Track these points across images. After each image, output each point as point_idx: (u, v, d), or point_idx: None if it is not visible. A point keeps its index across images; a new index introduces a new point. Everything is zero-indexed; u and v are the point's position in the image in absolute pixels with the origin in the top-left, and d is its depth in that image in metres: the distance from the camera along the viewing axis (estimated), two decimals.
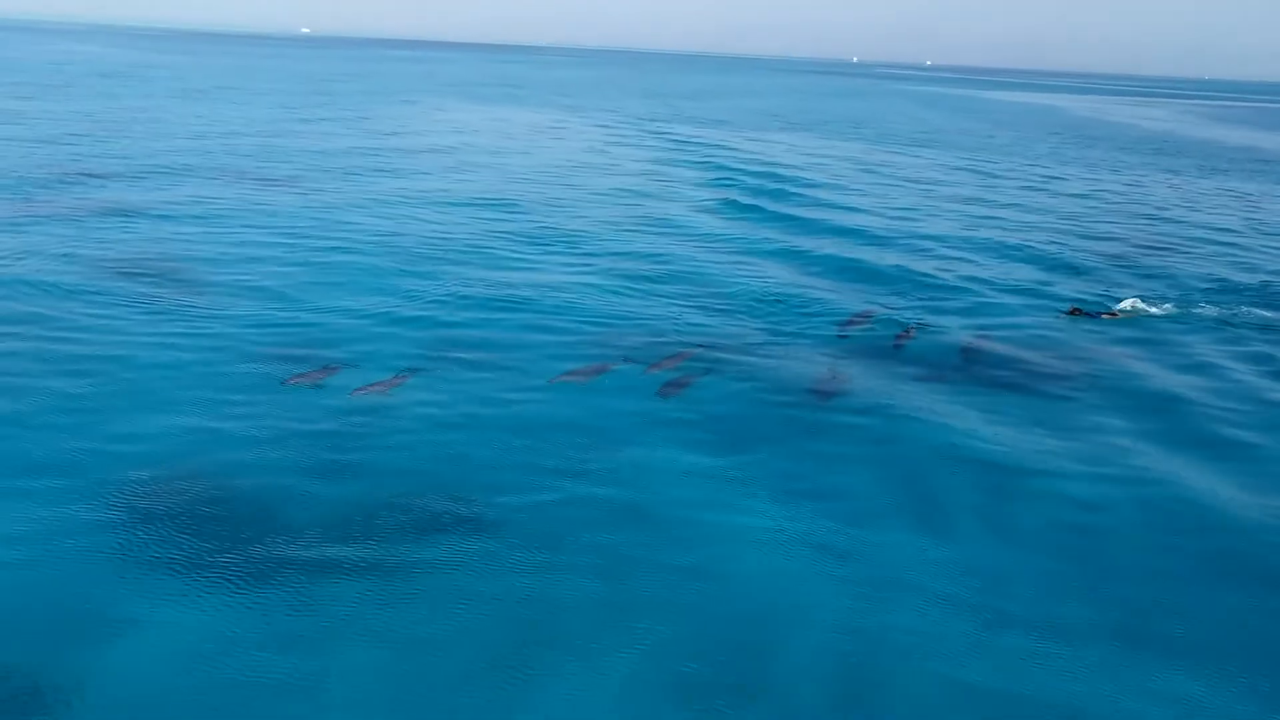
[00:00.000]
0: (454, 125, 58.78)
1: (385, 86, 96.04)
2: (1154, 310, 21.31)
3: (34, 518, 10.37)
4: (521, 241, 25.38)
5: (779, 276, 22.87)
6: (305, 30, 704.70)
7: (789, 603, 9.68)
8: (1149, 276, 25.12)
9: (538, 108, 77.85)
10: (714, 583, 9.92)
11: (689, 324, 18.52)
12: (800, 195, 35.65)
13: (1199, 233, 32.15)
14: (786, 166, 44.44)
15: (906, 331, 18.40)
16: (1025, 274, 24.66)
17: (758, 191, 36.15)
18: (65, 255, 20.93)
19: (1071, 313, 20.51)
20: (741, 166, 43.32)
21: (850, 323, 18.93)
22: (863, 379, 15.87)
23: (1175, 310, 21.50)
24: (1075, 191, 41.59)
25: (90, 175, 31.36)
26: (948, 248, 27.34)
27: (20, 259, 20.40)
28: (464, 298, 19.51)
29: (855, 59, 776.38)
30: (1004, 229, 30.87)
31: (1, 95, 58.60)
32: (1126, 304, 21.34)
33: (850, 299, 21.03)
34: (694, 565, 10.21)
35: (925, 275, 23.69)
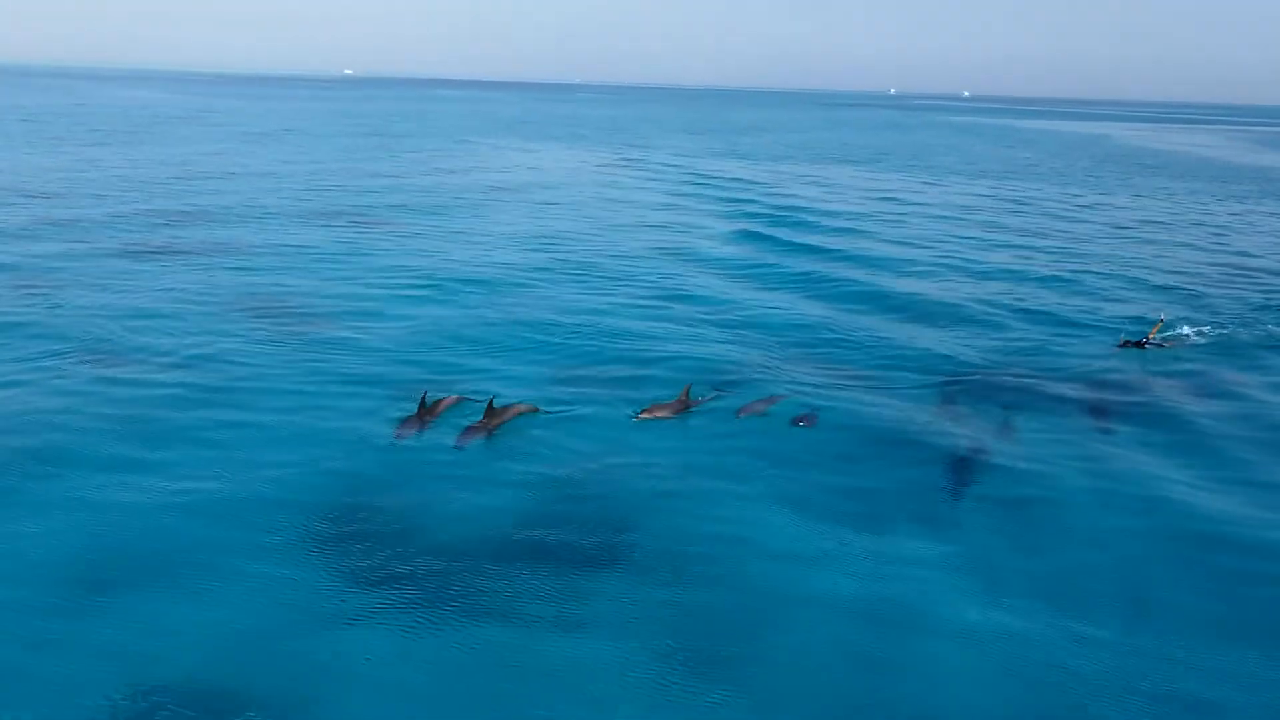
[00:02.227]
0: (520, 165, 59.79)
1: (442, 127, 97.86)
2: (1209, 337, 21.22)
3: (197, 541, 10.93)
4: (606, 280, 25.77)
5: (853, 318, 22.66)
6: (348, 72, 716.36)
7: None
8: (1216, 305, 25.01)
9: (595, 146, 78.85)
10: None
11: (768, 364, 18.41)
12: (865, 233, 35.97)
13: (1269, 262, 32.07)
14: (851, 204, 45.08)
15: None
16: (1096, 304, 24.72)
17: (825, 230, 36.49)
18: (185, 296, 21.76)
19: (1124, 344, 20.33)
20: (807, 205, 43.86)
21: (949, 385, 17.49)
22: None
23: (1238, 336, 21.42)
24: (1140, 220, 41.61)
25: (189, 218, 32.41)
26: (1022, 282, 27.28)
27: (144, 301, 21.23)
28: (554, 335, 19.88)
29: (893, 90, 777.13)
30: (1073, 260, 30.94)
31: (79, 143, 60.46)
32: (1184, 331, 21.30)
33: (917, 340, 20.63)
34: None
35: (998, 312, 23.66)
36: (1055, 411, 16.12)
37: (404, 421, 14.42)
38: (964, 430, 14.98)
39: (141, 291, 21.98)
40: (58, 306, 20.35)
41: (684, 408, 15.11)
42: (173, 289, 22.37)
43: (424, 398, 14.84)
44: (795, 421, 14.93)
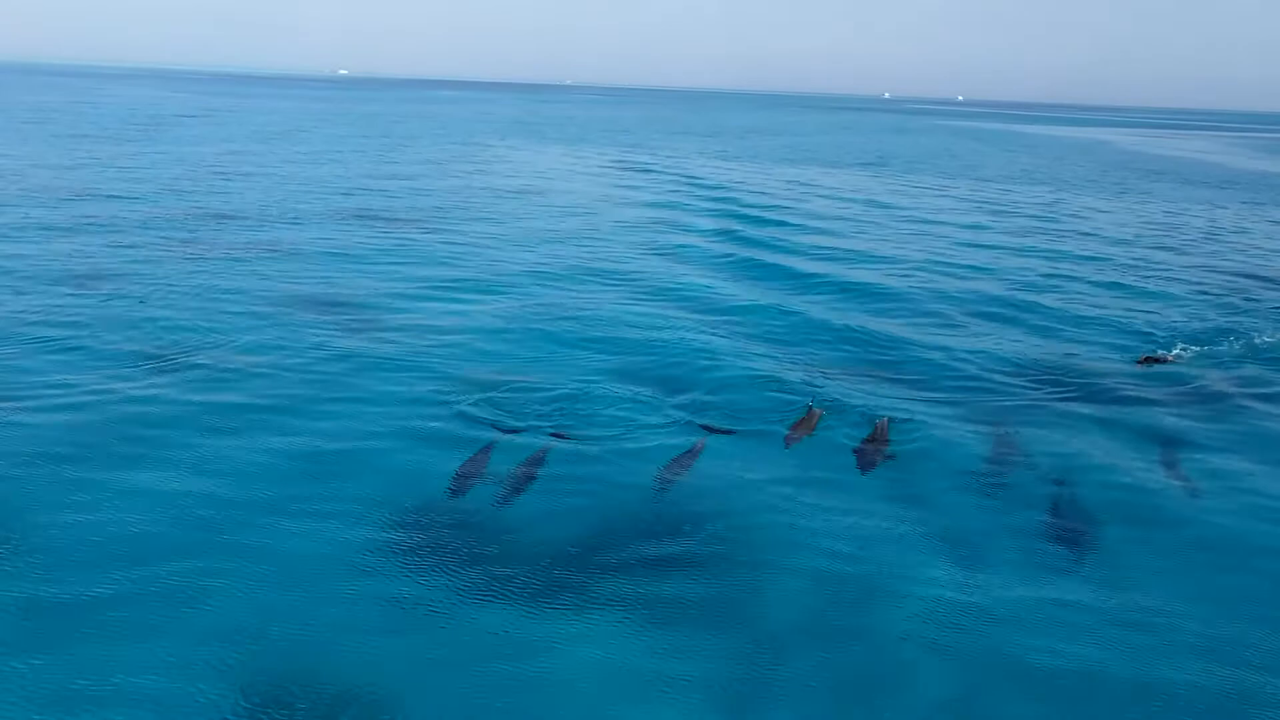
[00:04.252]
0: (537, 166, 59.95)
1: (448, 127, 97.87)
2: (1230, 350, 20.96)
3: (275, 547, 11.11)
4: (651, 288, 26.03)
5: (886, 329, 22.31)
6: (343, 72, 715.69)
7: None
8: (1235, 315, 24.96)
9: (604, 147, 78.99)
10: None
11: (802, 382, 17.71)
12: (888, 252, 36.41)
13: None
14: (864, 215, 45.53)
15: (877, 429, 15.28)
16: (1119, 315, 24.46)
17: (842, 250, 36.87)
18: (239, 296, 21.95)
19: (1145, 360, 19.83)
20: (817, 221, 44.24)
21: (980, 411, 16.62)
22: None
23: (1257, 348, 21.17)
24: (1152, 228, 42.00)
25: (224, 217, 32.54)
26: (1041, 292, 27.14)
27: (201, 302, 21.42)
28: (596, 348, 19.39)
29: (887, 94, 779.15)
30: (1091, 269, 31.09)
31: (96, 140, 60.48)
32: (1190, 348, 20.86)
33: (933, 362, 19.71)
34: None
35: (1015, 325, 23.17)
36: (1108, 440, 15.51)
37: (794, 426, 14.85)
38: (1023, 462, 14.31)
39: (196, 292, 22.06)
40: (116, 307, 20.50)
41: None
42: (226, 289, 22.51)
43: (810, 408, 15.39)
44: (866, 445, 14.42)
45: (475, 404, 15.56)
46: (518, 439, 14.12)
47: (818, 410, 15.52)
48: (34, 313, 19.51)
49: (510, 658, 9.14)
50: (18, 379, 15.61)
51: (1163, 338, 22.03)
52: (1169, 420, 16.46)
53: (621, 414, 15.46)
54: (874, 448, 14.25)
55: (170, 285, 22.49)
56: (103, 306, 20.36)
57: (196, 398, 15.13)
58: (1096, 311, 24.88)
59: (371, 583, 10.25)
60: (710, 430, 14.81)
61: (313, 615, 9.67)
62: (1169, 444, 15.31)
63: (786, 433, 14.72)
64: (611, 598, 10.13)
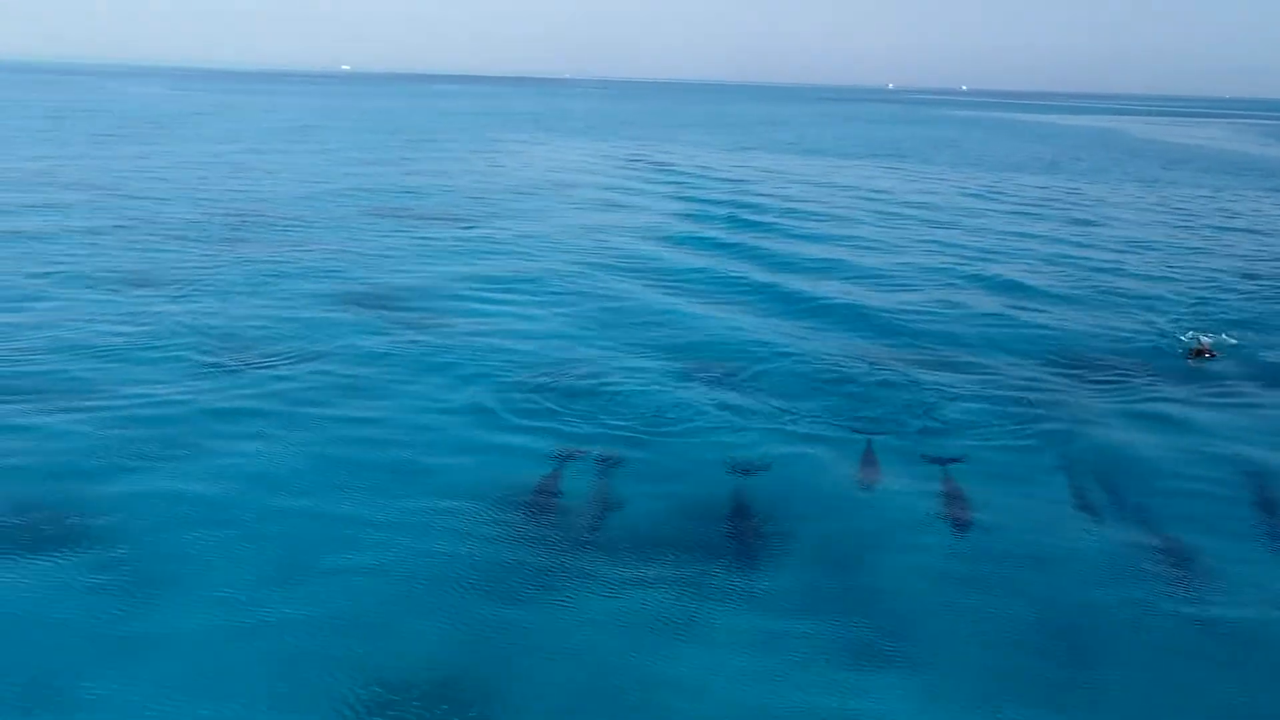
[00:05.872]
0: (563, 162, 60.01)
1: (462, 122, 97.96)
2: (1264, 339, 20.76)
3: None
4: (700, 283, 26.15)
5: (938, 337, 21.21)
6: (346, 67, 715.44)
7: None
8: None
9: (625, 142, 78.82)
10: None
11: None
12: (927, 230, 36.49)
13: None
14: (895, 209, 45.46)
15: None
16: (1163, 309, 23.96)
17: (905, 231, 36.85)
18: (294, 296, 22.07)
19: (1195, 354, 19.30)
20: (863, 200, 44.24)
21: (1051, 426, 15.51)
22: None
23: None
24: (1184, 217, 41.89)
25: (259, 216, 32.61)
26: (1083, 286, 26.98)
27: (261, 301, 21.53)
28: (635, 354, 18.74)
29: (890, 85, 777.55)
30: (1126, 259, 30.97)
31: (117, 140, 60.62)
32: (1236, 337, 20.51)
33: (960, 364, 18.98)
34: None
35: (1063, 318, 22.76)
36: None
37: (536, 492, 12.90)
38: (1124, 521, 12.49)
39: (253, 294, 22.07)
40: (178, 309, 20.57)
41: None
42: (279, 289, 22.60)
43: (868, 447, 14.18)
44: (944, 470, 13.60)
45: (542, 406, 15.45)
46: (591, 442, 14.04)
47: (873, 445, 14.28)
48: (101, 316, 19.64)
49: (594, 653, 9.24)
50: (100, 383, 15.73)
51: (1206, 328, 21.48)
52: (1243, 435, 15.21)
53: (689, 415, 15.27)
54: (873, 471, 13.45)
55: (225, 287, 22.55)
56: (166, 309, 20.43)
57: (273, 404, 15.19)
58: (1136, 304, 24.34)
59: (465, 581, 10.38)
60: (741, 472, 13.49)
61: (404, 614, 9.78)
62: (1257, 475, 13.63)
63: (858, 474, 13.38)
64: (716, 591, 10.22)
